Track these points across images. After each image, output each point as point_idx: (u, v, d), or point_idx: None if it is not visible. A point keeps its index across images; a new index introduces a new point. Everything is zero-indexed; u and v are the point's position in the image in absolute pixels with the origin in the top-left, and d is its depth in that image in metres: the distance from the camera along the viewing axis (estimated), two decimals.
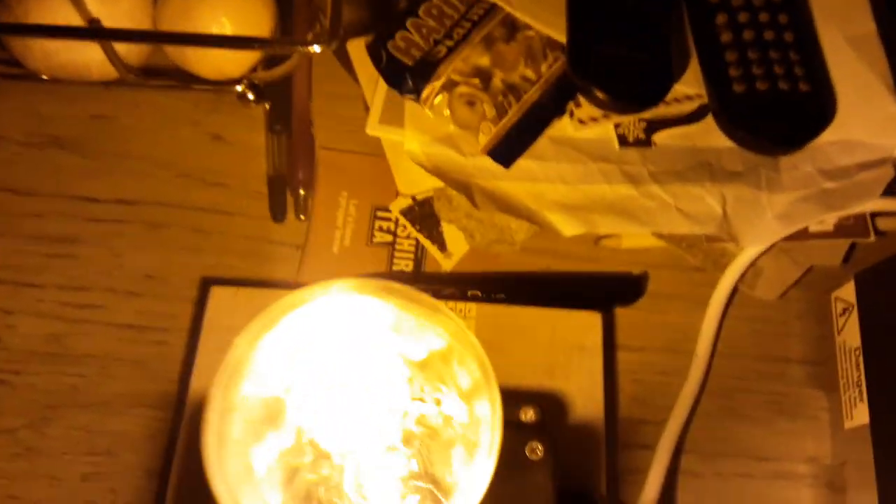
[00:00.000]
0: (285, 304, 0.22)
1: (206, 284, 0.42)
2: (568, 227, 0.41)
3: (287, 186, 0.44)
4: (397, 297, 0.20)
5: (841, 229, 0.44)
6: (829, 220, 0.44)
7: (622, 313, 0.44)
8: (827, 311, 0.43)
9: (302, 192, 0.43)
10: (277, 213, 0.44)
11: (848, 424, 0.40)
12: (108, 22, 0.40)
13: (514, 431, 0.30)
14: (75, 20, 0.39)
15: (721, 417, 0.42)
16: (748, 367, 0.43)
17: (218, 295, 0.41)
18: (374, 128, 0.43)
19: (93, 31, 0.38)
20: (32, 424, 0.40)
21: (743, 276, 0.44)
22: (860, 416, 0.39)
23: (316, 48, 0.34)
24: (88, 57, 0.41)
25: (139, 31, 0.41)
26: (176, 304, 0.42)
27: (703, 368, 0.42)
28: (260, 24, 0.42)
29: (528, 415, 0.31)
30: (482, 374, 0.19)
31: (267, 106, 0.46)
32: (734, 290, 0.44)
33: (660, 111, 0.44)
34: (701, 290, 0.44)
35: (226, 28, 0.41)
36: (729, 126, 0.43)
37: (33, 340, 0.41)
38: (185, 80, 0.45)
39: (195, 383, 0.39)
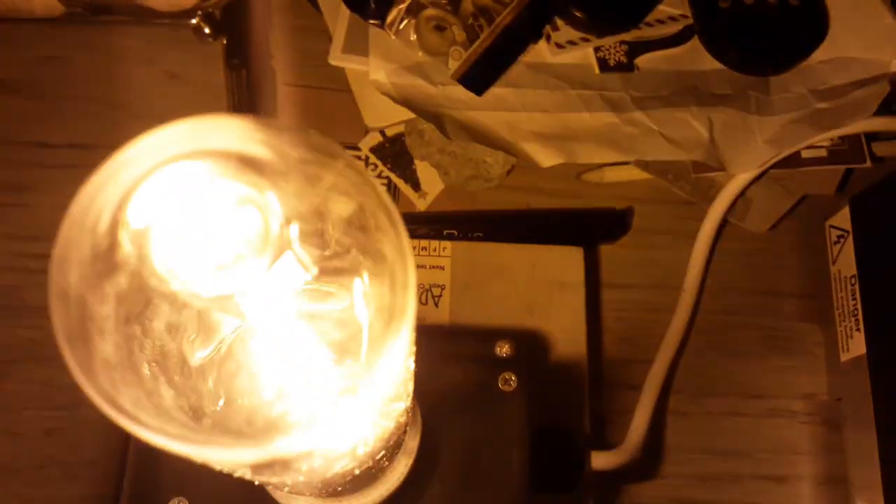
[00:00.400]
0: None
1: None
2: (546, 157, 0.39)
3: None
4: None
5: (835, 155, 0.42)
6: (822, 146, 0.42)
7: (606, 250, 0.42)
8: (820, 242, 0.41)
9: None
10: None
11: (844, 357, 0.38)
12: None
13: (487, 365, 0.28)
14: None
15: (711, 355, 0.40)
16: (739, 302, 0.41)
17: None
18: (336, 58, 0.40)
19: None
20: None
21: (732, 207, 0.42)
22: (856, 347, 0.37)
23: None
24: None
25: None
26: None
27: (690, 305, 0.40)
28: None
29: (503, 349, 0.29)
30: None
31: (224, 41, 0.43)
32: (723, 223, 0.42)
33: (642, 33, 0.42)
34: (688, 224, 0.42)
35: None
36: (715, 46, 0.41)
37: None
38: (137, 14, 0.42)
39: None
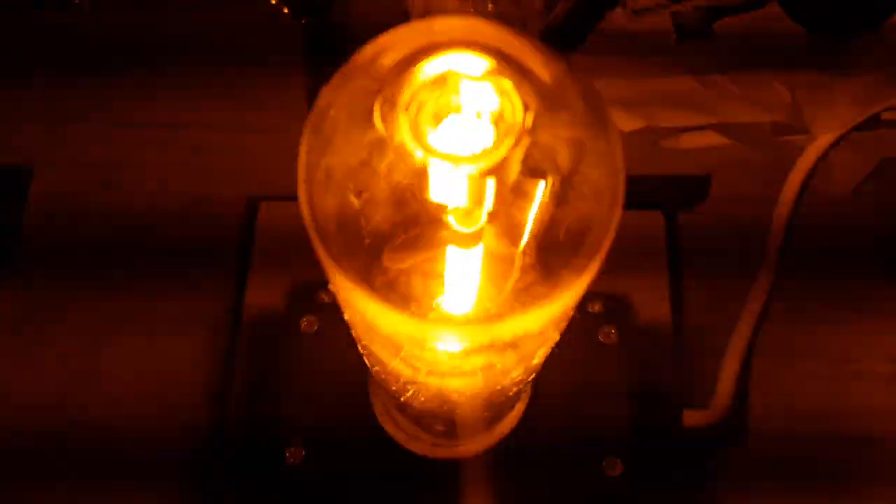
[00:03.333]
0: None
1: (252, 202, 0.41)
2: (627, 122, 0.39)
3: None
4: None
5: None
6: None
7: (686, 216, 0.42)
8: None
9: None
10: None
11: None
12: None
13: (584, 319, 0.29)
14: None
15: (794, 318, 0.40)
16: (821, 266, 0.41)
17: (267, 210, 0.40)
18: None
19: None
20: (84, 352, 0.39)
21: (813, 170, 0.42)
22: None
23: None
24: None
25: None
26: (224, 226, 0.42)
27: (773, 269, 0.40)
28: None
29: (594, 307, 0.30)
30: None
31: (303, 22, 0.45)
32: (804, 187, 0.42)
33: None
34: (769, 189, 0.41)
35: None
36: (794, 8, 0.41)
37: (81, 267, 0.41)
38: None
39: (249, 305, 0.38)
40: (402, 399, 0.22)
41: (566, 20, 0.40)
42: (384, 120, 0.13)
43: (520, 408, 0.24)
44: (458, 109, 0.13)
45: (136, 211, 0.42)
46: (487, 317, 0.16)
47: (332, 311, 0.29)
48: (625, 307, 0.36)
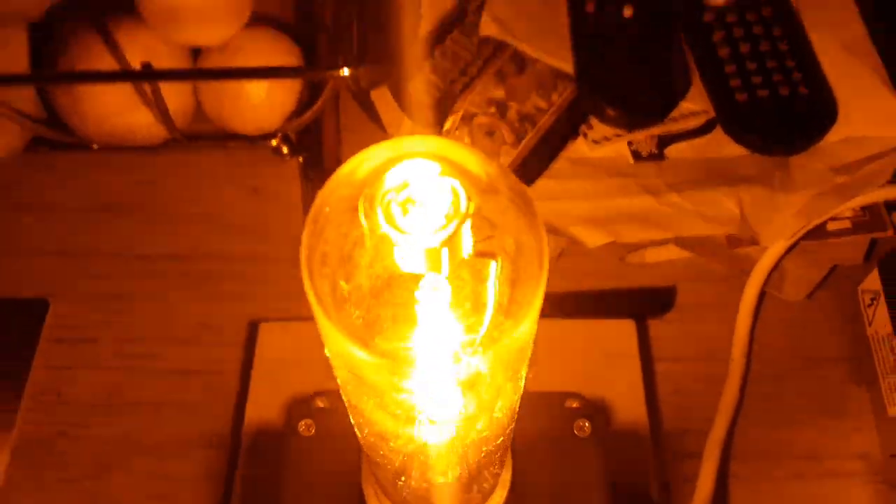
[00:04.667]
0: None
1: (254, 326, 0.45)
2: (592, 238, 0.43)
3: None
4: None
5: (859, 226, 0.45)
6: (846, 217, 0.45)
7: (654, 325, 0.45)
8: (855, 306, 0.44)
9: None
10: None
11: (891, 412, 0.40)
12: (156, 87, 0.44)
13: (560, 412, 0.32)
14: (125, 86, 0.44)
15: (765, 420, 0.42)
16: (785, 368, 0.44)
17: (267, 331, 0.43)
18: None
19: (146, 72, 0.41)
20: (94, 474, 0.41)
21: (768, 279, 0.45)
22: None
23: (345, 71, 0.37)
24: (136, 120, 0.44)
25: (185, 70, 0.45)
26: (226, 347, 0.45)
27: (740, 373, 0.43)
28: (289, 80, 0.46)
29: (573, 404, 0.33)
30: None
31: (300, 159, 0.49)
32: (762, 294, 0.45)
33: (669, 127, 0.47)
34: (729, 297, 0.45)
35: (261, 84, 0.45)
36: (737, 133, 0.45)
37: (92, 393, 0.43)
38: (225, 138, 0.48)
39: (249, 418, 0.41)
40: (396, 482, 0.24)
41: (534, 150, 0.45)
42: (365, 214, 0.17)
43: (500, 495, 0.26)
44: (420, 203, 0.17)
45: (145, 335, 0.45)
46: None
47: (329, 416, 0.32)
48: (601, 407, 0.38)
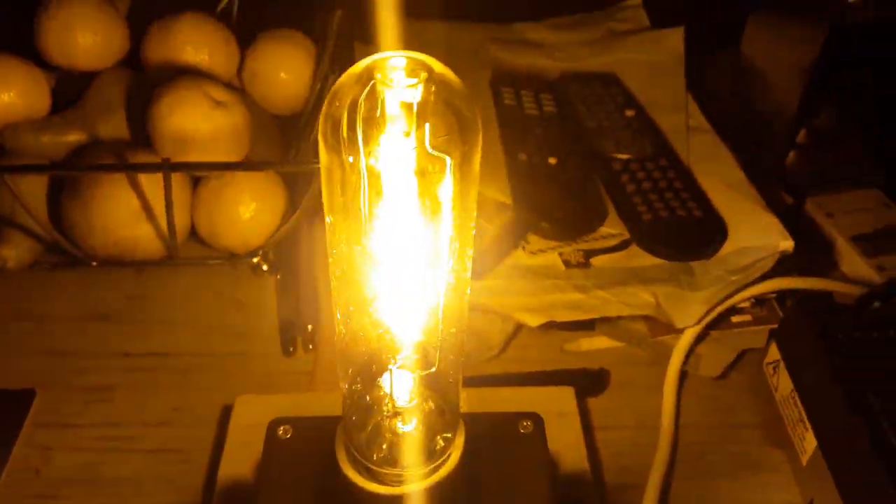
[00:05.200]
0: None
1: (228, 411, 0.48)
2: (532, 319, 0.50)
3: (295, 327, 0.53)
4: None
5: (757, 319, 0.54)
6: (747, 311, 0.54)
7: (592, 402, 0.51)
8: (763, 379, 0.51)
9: (310, 327, 0.52)
10: (288, 349, 0.52)
11: (804, 459, 0.45)
12: (156, 204, 0.52)
13: (506, 417, 0.37)
14: (133, 202, 0.52)
15: (694, 479, 0.46)
16: (708, 434, 0.49)
17: (242, 402, 0.47)
18: None
19: (166, 164, 0.48)
20: None
21: (687, 360, 0.52)
22: (810, 445, 0.45)
23: None
24: (141, 233, 0.52)
25: (199, 163, 0.52)
26: (201, 428, 0.48)
27: (669, 440, 0.48)
28: (276, 196, 0.55)
29: (525, 423, 0.38)
30: None
31: (278, 276, 0.57)
32: (683, 374, 0.52)
33: (593, 244, 0.56)
34: (655, 378, 0.51)
35: (250, 206, 0.54)
36: (647, 245, 0.55)
37: (69, 470, 0.45)
38: (210, 256, 0.56)
39: (221, 485, 0.43)
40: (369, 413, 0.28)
41: (480, 258, 0.53)
42: (378, 80, 0.24)
43: (455, 456, 0.31)
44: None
45: (124, 420, 0.48)
46: None
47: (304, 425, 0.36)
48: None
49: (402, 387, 0.31)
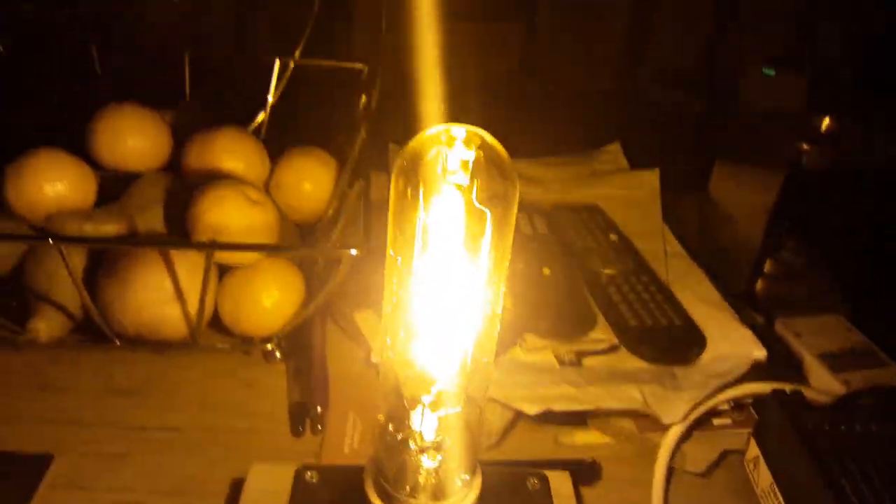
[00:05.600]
0: None
1: (238, 483, 0.50)
2: (530, 408, 0.53)
3: (305, 409, 0.56)
4: None
5: (737, 422, 0.58)
6: (728, 415, 0.58)
7: (584, 492, 0.53)
8: (745, 474, 0.54)
9: (319, 408, 0.55)
10: (297, 429, 0.55)
11: None
12: (187, 288, 0.56)
13: (515, 472, 0.40)
14: (167, 284, 0.56)
15: None
16: None
17: (256, 471, 0.49)
18: (377, 355, 0.57)
19: (212, 244, 0.53)
20: None
21: (674, 457, 0.55)
22: None
23: (353, 251, 0.50)
24: (168, 313, 0.56)
25: (241, 244, 0.57)
26: (212, 498, 0.49)
27: None
28: (296, 289, 0.59)
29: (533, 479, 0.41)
30: None
31: (289, 363, 0.60)
32: (671, 469, 0.55)
33: (584, 347, 0.61)
34: (646, 473, 0.54)
35: (273, 295, 0.58)
36: (633, 348, 0.60)
37: None
38: (227, 343, 0.59)
39: None
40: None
41: None
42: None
43: (472, 497, 0.34)
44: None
45: (136, 486, 0.50)
46: None
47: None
48: None
49: (429, 424, 0.34)
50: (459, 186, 0.29)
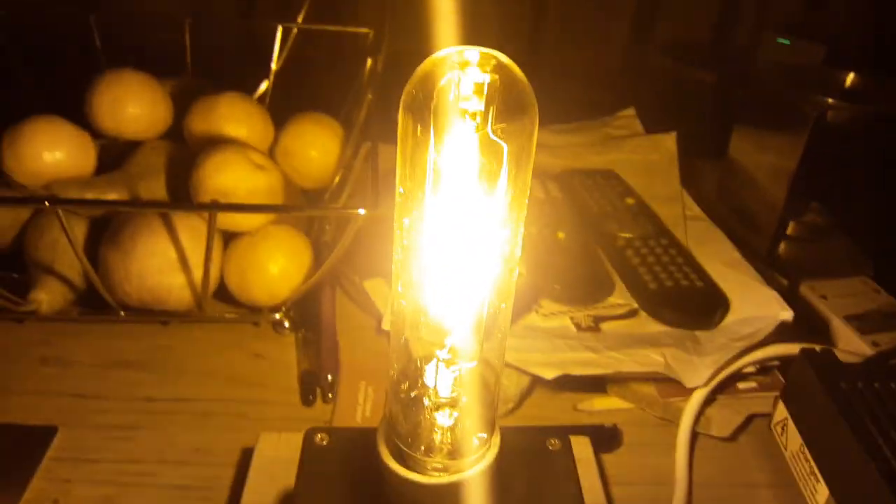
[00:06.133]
0: None
1: (247, 453, 0.48)
2: (547, 372, 0.51)
3: (316, 378, 0.54)
4: None
5: (763, 385, 0.56)
6: (754, 377, 0.56)
7: (606, 458, 0.51)
8: (773, 439, 0.52)
9: (330, 377, 0.53)
10: (308, 398, 0.53)
11: None
12: (192, 255, 0.54)
13: (534, 432, 0.38)
14: (170, 251, 0.54)
15: None
16: (721, 493, 0.49)
17: (266, 438, 0.47)
18: (387, 323, 0.55)
19: (215, 205, 0.51)
20: None
21: (698, 421, 0.53)
22: (822, 498, 0.46)
23: (361, 211, 0.48)
24: (174, 281, 0.54)
25: (245, 205, 0.54)
26: (221, 468, 0.48)
27: (684, 498, 0.48)
28: (302, 255, 0.57)
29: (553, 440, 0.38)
30: None
31: (299, 334, 0.58)
32: (695, 435, 0.52)
33: (602, 312, 0.58)
34: (668, 438, 0.52)
35: (279, 262, 0.56)
36: (653, 310, 0.57)
37: (88, 500, 0.45)
38: (234, 312, 0.57)
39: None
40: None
41: None
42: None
43: (491, 454, 0.32)
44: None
45: (143, 457, 0.48)
46: None
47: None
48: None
49: (445, 380, 0.32)
50: (474, 115, 0.27)
